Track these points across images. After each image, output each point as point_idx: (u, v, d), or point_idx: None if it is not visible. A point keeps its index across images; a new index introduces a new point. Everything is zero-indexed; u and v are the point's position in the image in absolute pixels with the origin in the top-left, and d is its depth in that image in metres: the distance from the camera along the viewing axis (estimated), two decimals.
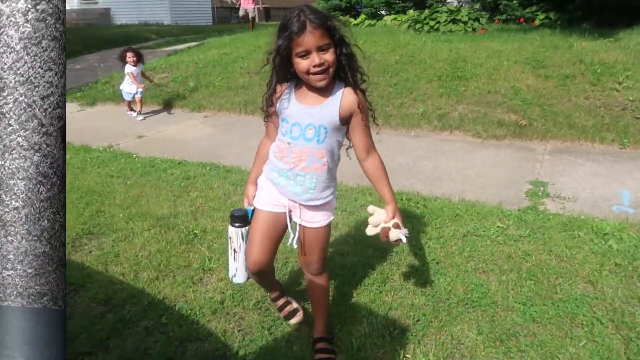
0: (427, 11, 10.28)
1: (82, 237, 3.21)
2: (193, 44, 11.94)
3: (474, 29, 9.66)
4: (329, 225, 2.01)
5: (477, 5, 12.29)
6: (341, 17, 10.39)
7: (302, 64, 1.69)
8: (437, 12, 10.01)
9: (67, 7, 13.79)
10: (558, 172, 4.38)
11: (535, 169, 4.50)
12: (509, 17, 11.57)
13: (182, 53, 10.09)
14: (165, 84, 8.15)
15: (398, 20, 11.82)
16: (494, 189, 4.06)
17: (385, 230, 1.85)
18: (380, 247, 2.97)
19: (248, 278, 2.14)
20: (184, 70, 8.58)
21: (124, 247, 3.06)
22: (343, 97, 1.79)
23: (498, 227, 3.23)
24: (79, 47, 12.26)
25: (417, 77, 6.92)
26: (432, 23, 9.86)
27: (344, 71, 1.78)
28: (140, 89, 6.81)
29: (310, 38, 1.65)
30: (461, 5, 11.69)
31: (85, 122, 6.67)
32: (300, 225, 1.96)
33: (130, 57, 6.70)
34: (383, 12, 13.77)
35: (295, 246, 1.99)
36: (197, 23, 20.16)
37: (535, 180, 4.19)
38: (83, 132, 6.03)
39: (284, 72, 1.80)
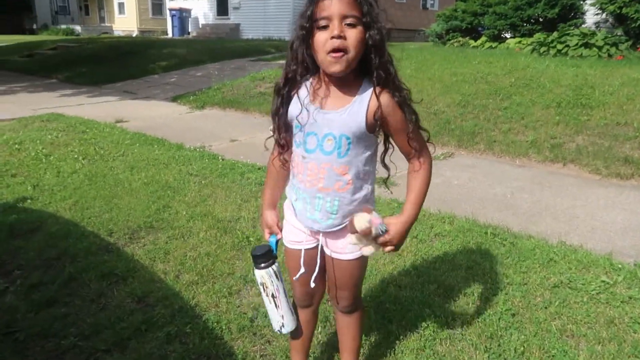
0: (555, 34, 9.34)
1: (142, 229, 3.19)
2: None
3: (609, 55, 8.55)
4: (363, 258, 1.62)
5: (619, 31, 10.94)
6: (460, 39, 9.90)
7: (319, 37, 1.36)
8: (568, 34, 9.04)
9: (203, 22, 14.99)
10: None
11: None
12: None
13: None
14: (269, 93, 8.29)
15: (523, 44, 10.93)
16: (606, 235, 3.36)
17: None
18: (446, 284, 2.53)
19: (298, 321, 1.77)
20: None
21: (176, 245, 2.98)
22: (373, 97, 1.42)
23: (602, 282, 2.61)
24: (204, 57, 13.16)
25: (532, 102, 6.21)
26: (559, 46, 8.92)
27: (370, 67, 1.40)
28: None
29: (336, 2, 1.33)
30: (598, 29, 10.48)
31: (189, 124, 6.97)
32: (328, 256, 1.63)
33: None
34: (507, 35, 12.88)
35: (313, 285, 1.65)
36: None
37: None
38: (183, 132, 6.28)
39: (304, 56, 1.42)
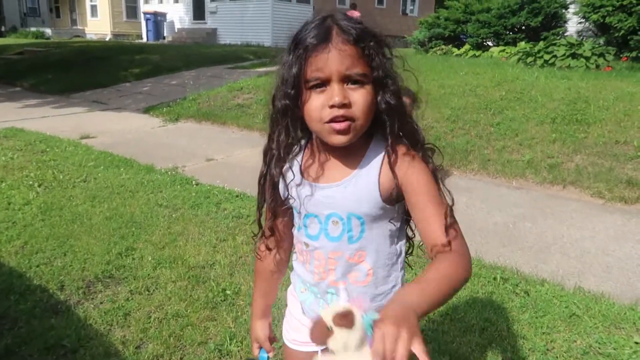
0: (541, 43, 9.13)
1: (100, 281, 2.73)
2: None
3: (597, 66, 8.36)
4: None
5: (602, 40, 10.82)
6: (443, 47, 9.64)
7: (313, 103, 0.98)
8: (554, 44, 8.83)
9: (179, 26, 14.47)
10: None
11: None
12: None
13: (271, 74, 9.79)
14: (248, 105, 7.86)
15: (507, 52, 10.72)
16: (624, 276, 3.03)
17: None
18: (459, 355, 2.14)
19: None
20: (269, 92, 8.22)
21: (139, 303, 2.52)
22: (385, 164, 1.04)
23: (636, 344, 2.26)
24: (179, 63, 12.63)
25: (526, 118, 5.92)
26: (547, 57, 8.69)
27: (386, 130, 1.03)
28: None
29: (334, 57, 0.94)
30: (582, 39, 10.34)
31: (162, 139, 6.49)
32: None
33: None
34: (490, 43, 12.69)
35: None
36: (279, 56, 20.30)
37: None
38: (155, 150, 5.81)
39: (292, 122, 1.05)
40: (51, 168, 4.76)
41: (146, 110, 8.36)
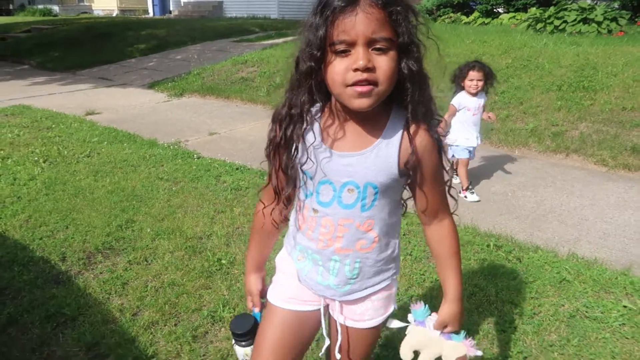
0: (552, 9, 8.88)
1: (100, 252, 2.80)
2: (291, 38, 11.60)
3: (609, 31, 8.13)
4: (383, 322, 1.28)
5: (616, 4, 10.49)
6: (451, 14, 9.45)
7: (337, 66, 0.97)
8: (565, 9, 8.59)
9: (185, 0, 14.26)
10: None
11: None
12: None
13: (276, 47, 9.75)
14: (252, 79, 7.83)
15: (517, 19, 10.46)
16: (620, 242, 3.03)
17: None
18: None
19: None
20: (273, 65, 8.20)
21: (137, 272, 2.60)
22: (405, 136, 1.07)
23: (625, 308, 2.27)
24: (185, 38, 12.57)
25: (531, 86, 5.82)
26: (557, 22, 8.47)
27: (406, 98, 1.03)
28: (476, 140, 3.78)
29: (361, 20, 0.93)
30: (595, 3, 10.03)
31: (166, 114, 6.51)
32: (341, 324, 1.25)
33: (475, 78, 3.58)
34: (500, 10, 12.38)
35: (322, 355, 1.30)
36: (305, 17, 19.98)
37: None
38: (159, 125, 5.85)
39: (314, 81, 1.03)
40: (56, 144, 4.83)
41: (151, 86, 8.38)
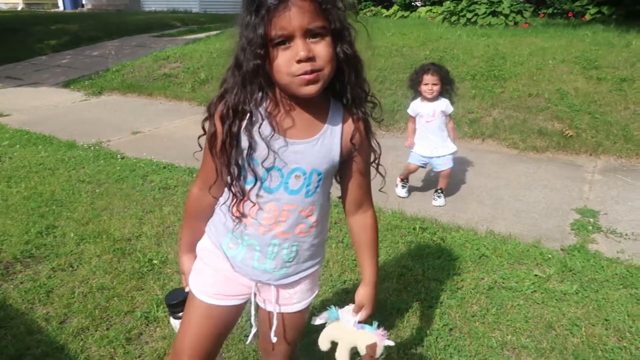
0: (464, 2, 9.39)
1: (20, 261, 2.65)
2: (214, 32, 11.39)
3: (515, 23, 8.73)
4: (311, 303, 1.37)
5: None
6: (372, 8, 9.67)
7: (280, 59, 1.02)
8: (476, 3, 9.11)
9: None
10: (612, 198, 3.58)
11: (583, 192, 3.71)
12: (555, 11, 10.52)
13: (199, 42, 9.53)
14: (175, 75, 7.62)
15: (433, 12, 10.95)
16: (531, 218, 3.30)
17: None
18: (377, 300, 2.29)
19: None
20: (197, 60, 8.01)
21: (62, 279, 2.49)
22: (346, 124, 1.16)
23: (536, 276, 2.50)
24: (100, 33, 11.96)
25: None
26: (469, 15, 8.97)
27: (342, 83, 1.11)
28: (433, 150, 3.53)
29: (295, 14, 0.98)
30: None
31: (84, 114, 6.19)
32: (272, 312, 1.30)
33: (430, 82, 3.36)
34: (418, 4, 12.88)
35: (251, 339, 1.33)
36: (227, 11, 19.64)
37: (583, 207, 3.41)
38: (77, 126, 5.55)
39: (252, 78, 1.06)
40: None
41: (66, 85, 7.91)
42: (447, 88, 3.44)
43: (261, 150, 1.11)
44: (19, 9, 23.83)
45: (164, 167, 4.05)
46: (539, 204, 3.52)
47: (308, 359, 1.74)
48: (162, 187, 3.61)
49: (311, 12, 1.00)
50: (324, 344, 1.27)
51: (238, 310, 1.33)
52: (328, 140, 1.14)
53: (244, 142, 1.10)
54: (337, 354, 1.25)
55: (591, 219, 3.23)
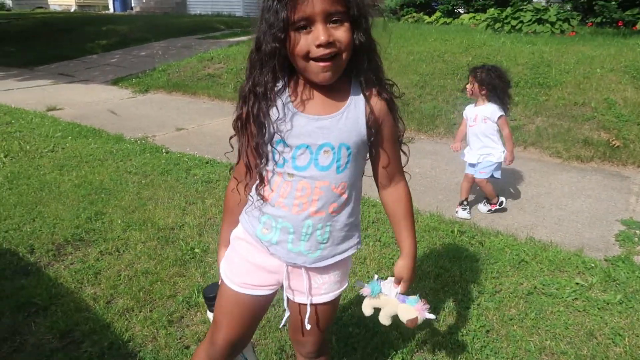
0: (509, 9, 9.24)
1: (70, 244, 2.79)
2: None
3: (562, 31, 8.53)
4: (339, 296, 1.39)
5: (568, 6, 10.98)
6: (414, 14, 9.62)
7: (300, 43, 1.07)
8: (521, 10, 8.95)
9: None
10: None
11: (630, 204, 3.59)
12: (605, 19, 10.20)
13: (242, 44, 9.73)
14: (219, 75, 7.81)
15: (476, 19, 10.81)
16: (573, 227, 3.23)
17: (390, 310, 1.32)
18: None
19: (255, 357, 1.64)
20: (239, 61, 8.18)
21: (109, 262, 2.60)
22: (369, 98, 1.19)
23: (577, 284, 2.45)
24: (148, 34, 12.35)
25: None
26: (514, 23, 8.82)
27: (359, 68, 1.15)
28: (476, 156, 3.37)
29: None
30: (549, 5, 10.47)
31: (131, 110, 6.42)
32: (302, 303, 1.33)
33: (470, 82, 3.29)
34: (461, 10, 12.74)
35: (282, 324, 1.39)
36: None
37: (629, 219, 3.30)
38: (124, 121, 5.77)
39: (277, 62, 1.10)
40: (17, 139, 4.71)
41: (115, 82, 8.23)
42: (494, 93, 3.20)
43: (287, 129, 1.15)
44: (72, 10, 24.93)
45: (207, 162, 4.16)
46: (582, 214, 3.43)
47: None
48: (205, 181, 3.72)
49: None
50: (367, 310, 1.33)
51: (267, 300, 1.36)
52: (352, 114, 1.17)
53: (270, 120, 1.15)
54: (380, 318, 1.32)
55: (637, 231, 3.12)
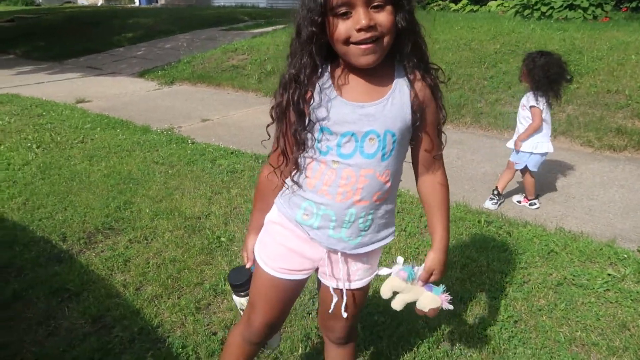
0: None
1: (100, 232, 2.85)
2: (280, 27, 11.58)
3: (595, 17, 8.25)
4: (370, 282, 1.40)
5: None
6: (440, 2, 9.42)
7: (340, 28, 1.05)
8: None
9: None
10: None
11: None
12: None
13: (265, 35, 9.74)
14: (243, 66, 7.84)
15: (505, 6, 10.54)
16: (605, 217, 3.14)
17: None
18: None
19: (279, 341, 1.67)
20: (264, 52, 8.20)
21: (138, 250, 2.65)
22: (414, 84, 1.16)
23: (609, 275, 2.38)
24: (173, 27, 12.48)
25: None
26: (544, 9, 8.56)
27: (402, 51, 1.13)
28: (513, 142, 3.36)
29: None
30: None
31: (157, 102, 6.51)
32: (337, 289, 1.32)
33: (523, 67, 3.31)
34: None
35: (340, 312, 1.36)
36: (294, 6, 19.85)
37: None
38: (151, 112, 5.86)
39: (315, 46, 1.09)
40: (48, 130, 4.83)
41: (141, 74, 8.35)
42: (533, 81, 3.15)
43: (330, 116, 1.13)
44: (99, 4, 25.35)
45: (232, 153, 4.20)
46: (615, 204, 3.34)
47: None
48: (230, 171, 3.75)
49: None
50: (386, 292, 1.30)
51: (301, 284, 1.36)
52: (398, 100, 1.15)
53: (312, 108, 1.14)
54: (393, 303, 1.30)
55: None
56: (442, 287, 1.29)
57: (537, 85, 3.13)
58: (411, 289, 1.28)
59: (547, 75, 3.09)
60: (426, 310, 1.27)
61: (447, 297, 1.28)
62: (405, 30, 1.09)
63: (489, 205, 3.30)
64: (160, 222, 2.94)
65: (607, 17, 8.27)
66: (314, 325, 2.03)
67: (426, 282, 1.28)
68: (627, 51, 5.88)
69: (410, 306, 1.30)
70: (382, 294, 1.30)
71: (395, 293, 1.29)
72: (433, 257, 1.27)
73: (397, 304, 1.30)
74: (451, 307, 1.29)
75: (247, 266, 1.43)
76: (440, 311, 1.28)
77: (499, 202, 3.33)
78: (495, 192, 3.33)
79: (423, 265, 1.28)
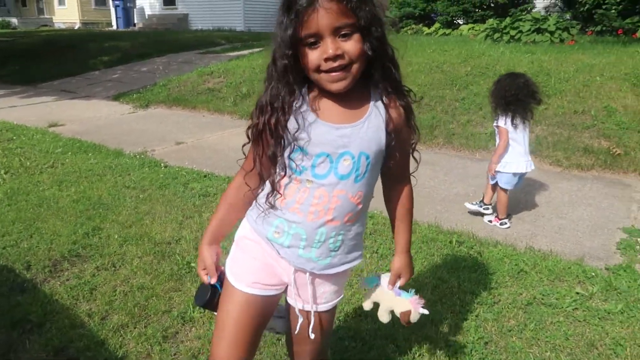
0: (508, 19, 9.27)
1: (67, 259, 2.78)
2: (257, 50, 11.67)
3: (561, 40, 8.54)
4: (336, 306, 1.41)
5: (568, 15, 11.02)
6: (413, 26, 9.69)
7: (310, 57, 1.10)
8: (520, 20, 8.98)
9: (149, 12, 14.16)
10: None
11: (631, 212, 3.56)
12: (604, 28, 10.21)
13: (242, 58, 9.80)
14: (218, 89, 7.85)
15: (475, 30, 10.85)
16: (574, 236, 3.20)
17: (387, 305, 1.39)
18: None
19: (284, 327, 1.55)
20: (239, 75, 8.24)
21: (105, 278, 2.59)
22: (388, 106, 1.20)
23: (577, 294, 2.41)
24: (150, 50, 12.45)
25: (490, 92, 6.05)
26: (513, 32, 8.85)
27: (377, 75, 1.17)
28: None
29: (323, 15, 1.05)
30: (549, 14, 10.51)
31: (131, 125, 6.45)
32: (303, 310, 1.32)
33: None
34: (460, 22, 12.81)
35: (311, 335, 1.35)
36: (271, 29, 20.06)
37: (630, 227, 3.27)
38: (124, 136, 5.79)
39: (291, 76, 1.13)
40: (18, 155, 4.73)
41: (116, 98, 8.28)
42: (495, 101, 3.32)
43: (306, 137, 1.15)
44: (76, 27, 25.25)
45: (205, 176, 4.16)
46: (583, 222, 3.40)
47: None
48: (202, 195, 3.71)
49: (338, 12, 1.05)
50: (367, 304, 1.40)
51: (274, 301, 1.33)
52: (374, 123, 1.18)
53: (288, 132, 1.15)
54: (379, 314, 1.37)
55: (639, 239, 3.09)
56: (411, 291, 1.34)
57: (495, 104, 3.27)
58: (384, 296, 1.34)
59: (505, 95, 3.19)
60: (398, 316, 1.31)
61: (419, 300, 1.31)
62: (376, 55, 1.12)
63: (470, 206, 3.52)
64: (129, 248, 2.88)
65: (573, 41, 8.57)
66: (283, 352, 1.99)
67: (394, 285, 1.34)
68: (592, 73, 6.09)
69: (382, 325, 1.35)
70: (364, 307, 1.43)
71: (375, 304, 1.38)
72: (399, 260, 1.34)
73: (382, 316, 1.36)
74: (426, 311, 1.32)
75: (212, 281, 1.34)
76: (421, 317, 1.32)
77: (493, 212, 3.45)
78: (483, 204, 3.49)
79: (388, 272, 1.32)
